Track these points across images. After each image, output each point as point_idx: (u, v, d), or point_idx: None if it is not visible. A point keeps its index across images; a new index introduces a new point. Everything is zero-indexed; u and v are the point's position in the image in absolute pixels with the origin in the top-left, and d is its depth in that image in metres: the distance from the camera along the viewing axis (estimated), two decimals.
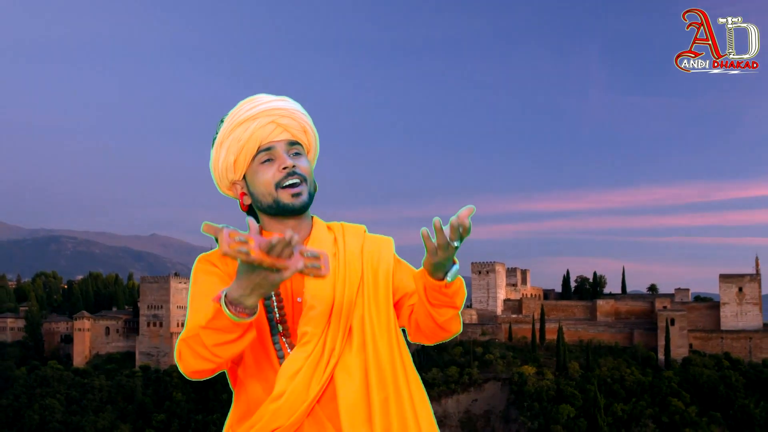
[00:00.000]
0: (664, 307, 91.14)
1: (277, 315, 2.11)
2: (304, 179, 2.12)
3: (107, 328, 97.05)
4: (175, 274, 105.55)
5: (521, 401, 79.53)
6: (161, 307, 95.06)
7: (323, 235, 2.20)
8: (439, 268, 1.94)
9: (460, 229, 1.85)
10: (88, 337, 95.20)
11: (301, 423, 2.03)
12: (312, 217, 2.24)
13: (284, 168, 2.10)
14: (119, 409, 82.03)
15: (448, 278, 1.95)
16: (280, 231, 2.09)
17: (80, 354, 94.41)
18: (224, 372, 2.13)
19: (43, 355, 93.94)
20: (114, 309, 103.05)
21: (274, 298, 2.11)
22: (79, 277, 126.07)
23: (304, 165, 2.13)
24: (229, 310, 1.86)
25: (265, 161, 2.12)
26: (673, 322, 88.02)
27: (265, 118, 2.11)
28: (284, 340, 2.09)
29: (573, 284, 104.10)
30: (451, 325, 2.10)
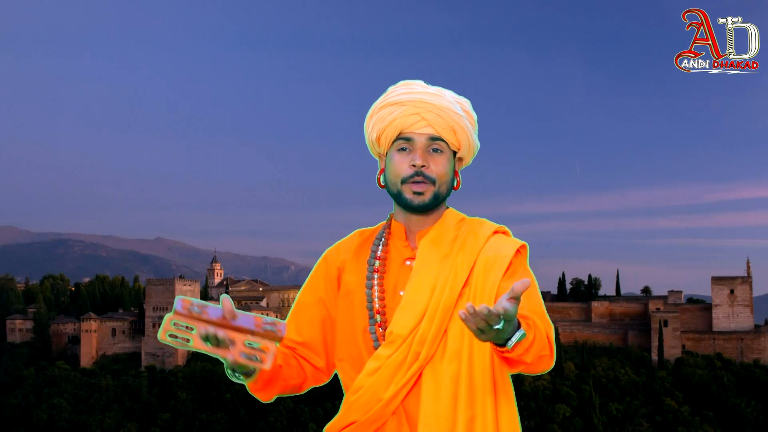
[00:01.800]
0: (658, 309, 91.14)
1: (377, 305, 2.04)
2: (432, 181, 2.03)
3: (114, 330, 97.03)
4: (180, 277, 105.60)
5: (518, 401, 79.02)
6: (166, 308, 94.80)
7: (443, 232, 2.09)
8: (496, 340, 1.73)
9: (501, 313, 1.63)
10: (95, 338, 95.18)
11: (384, 421, 1.96)
12: (446, 210, 2.15)
13: (413, 165, 2.03)
14: (125, 408, 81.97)
15: (509, 345, 1.74)
16: (404, 222, 2.11)
17: (87, 354, 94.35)
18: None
19: (50, 356, 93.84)
20: (120, 311, 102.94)
21: (376, 287, 2.06)
22: (86, 279, 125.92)
23: (438, 165, 2.05)
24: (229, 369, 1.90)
25: (401, 149, 2.06)
26: (666, 323, 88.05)
27: (412, 108, 2.04)
28: (381, 330, 2.02)
29: (568, 286, 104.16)
30: (528, 371, 1.94)
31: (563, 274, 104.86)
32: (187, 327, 1.80)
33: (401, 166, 2.04)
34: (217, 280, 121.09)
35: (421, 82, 2.10)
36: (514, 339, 1.73)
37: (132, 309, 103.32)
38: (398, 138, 2.06)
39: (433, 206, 2.06)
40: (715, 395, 79.11)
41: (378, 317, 2.03)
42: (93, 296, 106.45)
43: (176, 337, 1.79)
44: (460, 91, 2.14)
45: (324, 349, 2.11)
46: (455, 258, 2.02)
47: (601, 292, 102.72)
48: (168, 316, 1.78)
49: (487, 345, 1.92)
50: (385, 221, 2.17)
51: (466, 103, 2.13)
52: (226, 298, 1.80)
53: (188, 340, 1.78)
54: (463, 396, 1.93)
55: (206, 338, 1.78)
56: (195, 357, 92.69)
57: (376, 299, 2.05)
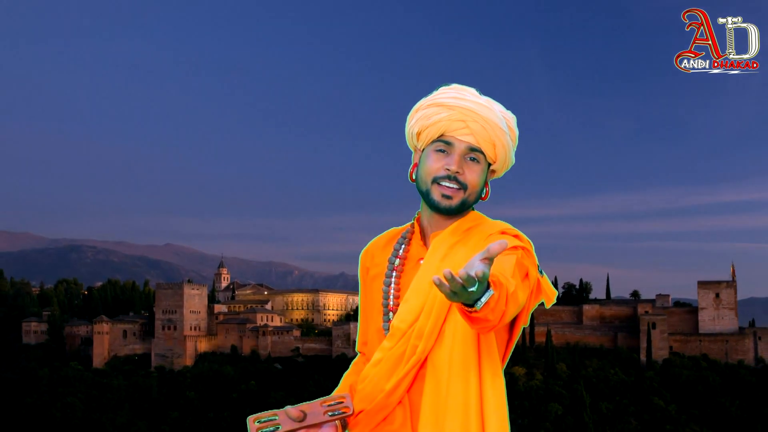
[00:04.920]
0: (646, 312, 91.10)
1: (392, 303, 2.05)
2: (463, 188, 2.01)
3: (125, 332, 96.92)
4: (188, 281, 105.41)
5: (512, 400, 79.09)
6: (175, 311, 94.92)
7: (453, 232, 2.06)
8: (466, 301, 1.67)
9: (479, 277, 1.58)
10: (106, 340, 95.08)
11: (390, 411, 1.98)
12: (470, 212, 2.11)
13: (447, 169, 2.00)
14: (136, 407, 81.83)
15: (478, 306, 1.67)
16: (427, 221, 2.10)
17: (99, 355, 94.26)
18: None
19: (64, 357, 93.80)
20: (131, 313, 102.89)
21: (393, 285, 2.06)
22: (99, 283, 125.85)
23: (472, 174, 2.02)
24: None
25: (439, 150, 2.03)
26: (654, 325, 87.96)
27: (459, 114, 2.01)
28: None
29: (561, 290, 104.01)
30: (485, 327, 1.79)
31: (555, 279, 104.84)
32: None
33: (435, 165, 2.02)
34: (224, 284, 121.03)
35: (473, 90, 2.07)
36: (483, 299, 1.66)
37: (142, 312, 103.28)
38: (438, 139, 2.03)
39: (459, 211, 2.05)
40: (701, 394, 78.98)
41: (391, 314, 2.04)
42: (105, 300, 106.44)
43: None
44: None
45: None
46: (456, 254, 2.00)
47: (592, 296, 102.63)
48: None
49: (484, 342, 1.95)
50: (412, 220, 2.16)
51: (512, 119, 2.10)
52: (289, 408, 1.87)
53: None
54: (455, 385, 1.92)
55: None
56: (202, 358, 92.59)
57: (392, 297, 2.05)
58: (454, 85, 2.07)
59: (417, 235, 2.11)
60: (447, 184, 2.00)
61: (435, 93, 2.07)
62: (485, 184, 2.09)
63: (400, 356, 1.95)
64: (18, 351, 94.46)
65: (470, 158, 2.02)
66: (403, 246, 2.11)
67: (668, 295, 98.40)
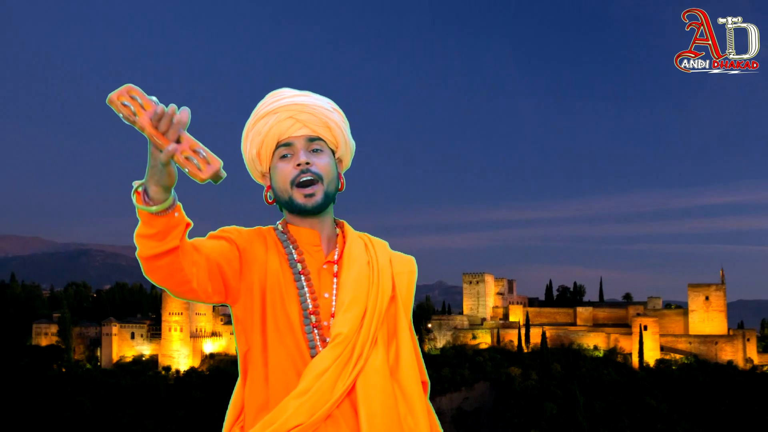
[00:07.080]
0: (638, 314, 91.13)
1: (310, 306, 1.92)
2: (319, 178, 1.95)
3: (132, 333, 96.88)
4: None
5: (508, 399, 79.22)
6: (181, 313, 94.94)
7: (355, 240, 2.04)
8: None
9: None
10: (115, 341, 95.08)
11: (320, 425, 1.84)
12: (338, 220, 2.09)
13: (298, 165, 1.94)
14: (143, 406, 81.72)
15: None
16: (301, 225, 2.01)
17: (108, 357, 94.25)
18: (234, 372, 2.05)
19: (74, 358, 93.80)
20: (138, 315, 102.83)
21: (306, 289, 1.93)
22: (107, 286, 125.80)
23: (321, 162, 1.96)
24: (137, 195, 1.71)
25: (283, 156, 1.96)
26: (646, 327, 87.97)
27: (285, 113, 1.95)
28: (316, 332, 1.91)
29: (555, 293, 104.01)
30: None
31: (550, 282, 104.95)
32: (141, 105, 1.56)
33: (286, 170, 1.95)
34: None
35: (287, 89, 2.04)
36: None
37: (150, 314, 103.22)
38: (278, 146, 1.97)
39: (325, 206, 1.97)
40: (691, 394, 78.94)
41: (313, 317, 1.92)
42: (113, 302, 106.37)
43: (127, 106, 1.55)
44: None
45: (210, 277, 1.94)
46: (377, 266, 1.99)
47: (585, 298, 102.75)
48: (129, 85, 1.56)
49: (416, 361, 2.03)
50: (275, 226, 2.05)
51: (333, 103, 2.06)
52: (185, 109, 1.62)
53: (136, 115, 1.55)
54: (399, 396, 1.94)
55: (158, 118, 1.55)
56: (208, 359, 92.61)
57: (309, 299, 1.94)
58: (269, 93, 2.03)
59: (308, 241, 2.02)
60: (305, 179, 1.93)
61: (254, 111, 2.02)
62: (339, 176, 2.03)
63: (345, 364, 1.86)
64: (28, 352, 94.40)
65: (313, 150, 1.97)
66: (294, 252, 1.99)
67: (659, 298, 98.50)
